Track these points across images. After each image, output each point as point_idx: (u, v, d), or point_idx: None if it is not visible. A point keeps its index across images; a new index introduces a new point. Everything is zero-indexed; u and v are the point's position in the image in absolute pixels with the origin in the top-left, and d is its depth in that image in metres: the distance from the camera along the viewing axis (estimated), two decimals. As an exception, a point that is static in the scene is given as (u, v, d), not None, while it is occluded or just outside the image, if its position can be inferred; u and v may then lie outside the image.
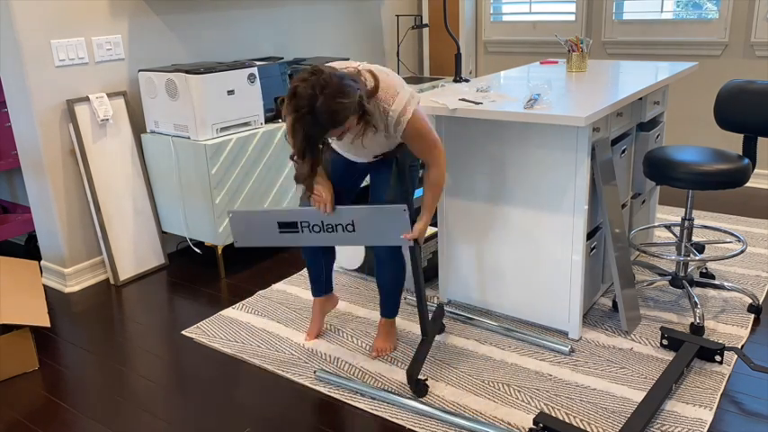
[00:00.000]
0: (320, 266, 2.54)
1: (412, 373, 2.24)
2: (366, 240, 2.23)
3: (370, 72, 2.00)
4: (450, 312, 2.76)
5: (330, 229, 2.23)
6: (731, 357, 2.37)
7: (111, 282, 3.27)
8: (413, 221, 2.19)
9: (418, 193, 3.49)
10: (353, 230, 2.21)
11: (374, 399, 2.23)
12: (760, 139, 4.18)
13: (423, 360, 2.32)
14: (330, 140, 2.13)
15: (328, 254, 2.54)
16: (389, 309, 2.50)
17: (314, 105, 1.79)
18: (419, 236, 2.18)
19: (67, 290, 3.21)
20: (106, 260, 3.26)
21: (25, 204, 3.74)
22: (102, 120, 3.15)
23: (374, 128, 2.01)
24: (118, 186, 3.25)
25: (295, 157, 1.96)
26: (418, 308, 2.37)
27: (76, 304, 3.09)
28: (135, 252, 3.33)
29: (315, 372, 2.38)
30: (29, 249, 3.65)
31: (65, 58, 3.03)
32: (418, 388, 2.23)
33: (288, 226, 2.28)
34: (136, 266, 3.34)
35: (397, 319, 2.68)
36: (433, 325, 2.48)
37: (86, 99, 3.13)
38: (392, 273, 2.40)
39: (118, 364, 2.56)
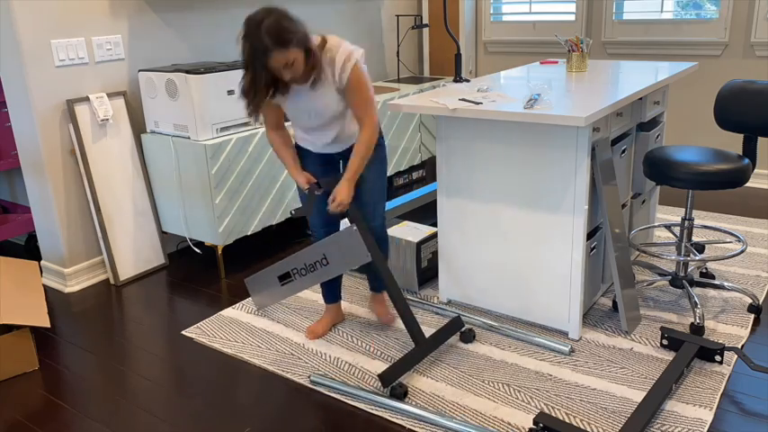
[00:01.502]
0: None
1: (385, 377, 2.23)
2: (340, 267, 2.41)
3: (320, 35, 2.19)
4: (451, 312, 2.76)
5: (312, 269, 2.46)
6: (731, 357, 2.37)
7: (111, 282, 3.27)
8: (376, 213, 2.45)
9: (399, 201, 3.49)
10: (328, 263, 2.42)
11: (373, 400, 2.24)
12: (760, 139, 4.18)
13: (404, 368, 2.29)
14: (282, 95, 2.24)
15: None
16: (381, 282, 2.61)
17: (262, 22, 1.99)
18: (342, 198, 2.29)
19: (67, 290, 3.21)
20: (106, 260, 3.26)
21: (25, 204, 3.74)
22: (102, 120, 3.15)
23: (322, 78, 2.17)
24: (118, 186, 3.25)
25: (246, 91, 2.12)
26: (399, 314, 2.39)
27: (76, 304, 3.09)
28: (135, 252, 3.33)
29: (309, 376, 2.38)
30: (29, 249, 3.65)
31: (65, 58, 3.03)
32: (393, 393, 2.22)
33: (284, 277, 2.57)
34: (136, 266, 3.34)
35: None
36: (440, 334, 2.47)
37: (86, 99, 3.13)
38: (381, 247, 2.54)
39: (118, 364, 2.56)
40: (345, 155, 2.42)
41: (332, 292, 2.68)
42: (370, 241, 2.33)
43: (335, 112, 2.27)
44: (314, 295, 3.02)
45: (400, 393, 2.22)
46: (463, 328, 2.56)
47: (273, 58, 2.02)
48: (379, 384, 2.31)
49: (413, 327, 2.38)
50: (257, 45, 2.00)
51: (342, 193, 2.28)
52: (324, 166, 2.44)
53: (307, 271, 2.51)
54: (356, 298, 2.97)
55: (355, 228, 2.31)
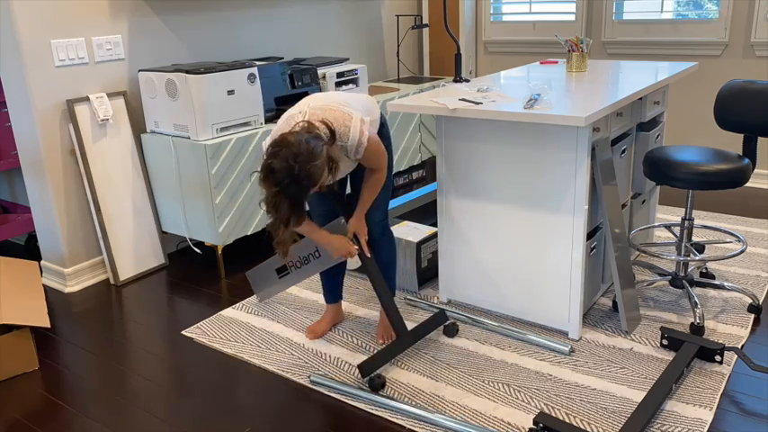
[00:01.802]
0: (330, 275, 2.65)
1: (364, 367, 2.26)
2: (332, 259, 2.47)
3: (322, 121, 2.06)
4: (451, 312, 2.76)
5: (306, 261, 2.52)
6: (731, 357, 2.37)
7: (111, 282, 3.27)
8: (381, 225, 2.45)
9: (399, 201, 3.49)
10: (320, 255, 2.48)
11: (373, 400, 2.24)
12: (760, 139, 4.18)
13: (383, 359, 2.34)
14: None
15: (340, 264, 2.63)
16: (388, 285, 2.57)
17: (293, 174, 1.90)
18: (355, 230, 2.37)
19: (67, 290, 3.21)
20: (106, 260, 3.26)
21: (25, 204, 3.74)
22: (102, 120, 3.15)
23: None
24: (118, 186, 3.25)
25: (277, 227, 2.01)
26: (382, 305, 2.43)
27: (76, 304, 3.09)
28: (135, 252, 3.33)
29: (309, 376, 2.38)
30: (29, 249, 3.65)
31: (65, 58, 3.03)
32: (372, 384, 2.26)
33: (281, 270, 2.64)
34: (136, 266, 3.34)
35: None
36: (422, 327, 2.50)
37: (86, 99, 3.13)
38: (386, 248, 2.51)
39: (118, 364, 2.56)
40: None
41: (333, 291, 2.68)
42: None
43: (352, 168, 2.33)
44: (314, 295, 3.02)
45: (378, 384, 2.25)
46: (447, 322, 2.59)
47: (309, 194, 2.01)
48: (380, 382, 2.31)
49: (394, 319, 2.41)
50: (297, 198, 1.95)
51: (355, 227, 2.36)
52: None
53: (302, 263, 2.55)
54: (356, 298, 2.97)
55: (343, 220, 2.34)
